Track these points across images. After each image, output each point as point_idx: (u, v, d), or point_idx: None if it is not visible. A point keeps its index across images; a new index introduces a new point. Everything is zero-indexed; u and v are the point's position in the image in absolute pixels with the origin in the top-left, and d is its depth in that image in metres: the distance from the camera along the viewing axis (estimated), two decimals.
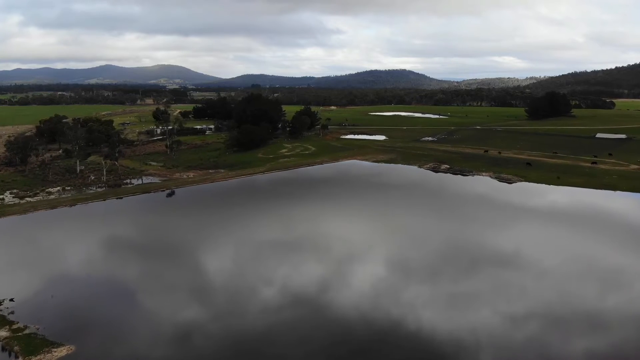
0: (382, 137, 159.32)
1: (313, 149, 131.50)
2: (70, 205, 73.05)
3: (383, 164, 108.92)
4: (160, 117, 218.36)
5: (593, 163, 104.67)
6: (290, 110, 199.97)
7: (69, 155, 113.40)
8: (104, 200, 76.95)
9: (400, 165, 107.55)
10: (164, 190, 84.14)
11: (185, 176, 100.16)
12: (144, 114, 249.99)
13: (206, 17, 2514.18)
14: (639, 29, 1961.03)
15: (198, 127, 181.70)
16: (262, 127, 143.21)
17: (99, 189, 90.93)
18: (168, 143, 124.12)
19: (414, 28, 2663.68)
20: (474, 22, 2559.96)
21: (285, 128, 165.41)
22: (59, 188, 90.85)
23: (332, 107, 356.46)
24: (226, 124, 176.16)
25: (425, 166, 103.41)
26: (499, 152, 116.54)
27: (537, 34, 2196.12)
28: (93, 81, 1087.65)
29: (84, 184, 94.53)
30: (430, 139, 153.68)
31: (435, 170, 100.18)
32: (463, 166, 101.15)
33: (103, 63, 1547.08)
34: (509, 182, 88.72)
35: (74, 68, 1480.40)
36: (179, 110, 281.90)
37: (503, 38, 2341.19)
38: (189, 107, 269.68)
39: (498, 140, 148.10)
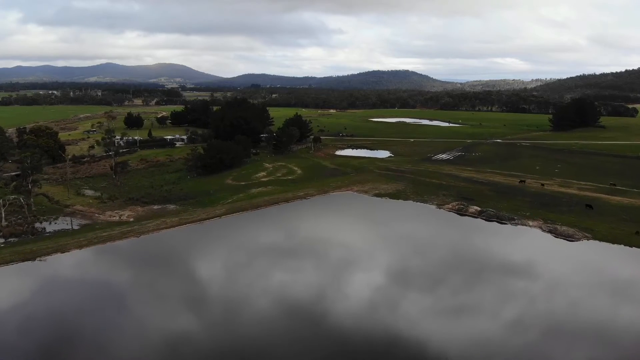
0: (385, 154, 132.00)
1: (298, 172, 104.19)
2: None
3: (387, 200, 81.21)
4: (132, 122, 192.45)
5: None
6: (285, 114, 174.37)
7: None
8: None
9: (411, 202, 79.82)
10: (53, 255, 54.59)
11: (116, 217, 73.07)
12: (120, 118, 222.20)
13: (207, 16, 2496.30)
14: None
15: (169, 137, 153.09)
16: (238, 142, 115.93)
17: None
18: (112, 164, 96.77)
19: (415, 29, 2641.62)
20: (475, 24, 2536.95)
21: (271, 140, 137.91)
22: None
23: (332, 111, 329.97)
24: (201, 134, 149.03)
25: (447, 206, 75.71)
26: (542, 184, 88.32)
27: (539, 36, 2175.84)
28: (93, 79, 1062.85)
29: None
30: (445, 156, 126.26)
31: (461, 212, 72.64)
32: (499, 207, 73.44)
33: (104, 61, 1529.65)
34: (571, 239, 61.28)
35: (75, 66, 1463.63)
36: (162, 114, 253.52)
37: (505, 39, 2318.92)
38: (178, 108, 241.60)
39: (528, 159, 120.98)
